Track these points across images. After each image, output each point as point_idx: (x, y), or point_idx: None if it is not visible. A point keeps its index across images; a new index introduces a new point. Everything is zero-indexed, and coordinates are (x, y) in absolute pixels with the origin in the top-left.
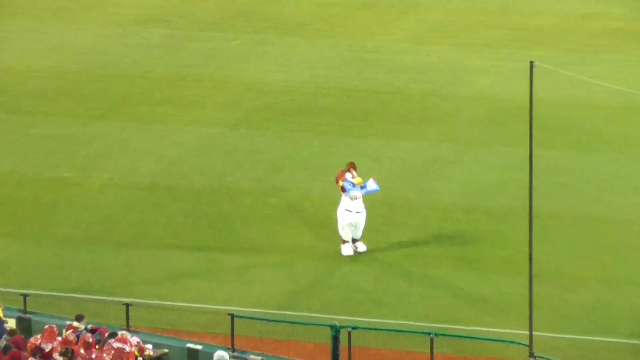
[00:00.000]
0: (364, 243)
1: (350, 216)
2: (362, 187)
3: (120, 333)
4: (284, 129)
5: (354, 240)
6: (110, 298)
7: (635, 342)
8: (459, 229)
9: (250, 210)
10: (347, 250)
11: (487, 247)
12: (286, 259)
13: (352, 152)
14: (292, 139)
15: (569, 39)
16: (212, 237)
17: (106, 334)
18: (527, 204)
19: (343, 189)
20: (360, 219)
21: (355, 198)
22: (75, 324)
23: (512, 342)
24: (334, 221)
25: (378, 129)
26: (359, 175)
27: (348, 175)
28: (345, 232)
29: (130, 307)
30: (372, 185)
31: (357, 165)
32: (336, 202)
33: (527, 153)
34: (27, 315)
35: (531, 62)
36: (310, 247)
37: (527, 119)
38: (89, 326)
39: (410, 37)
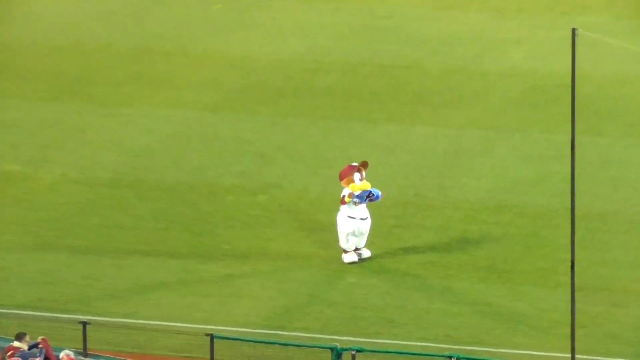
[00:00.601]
0: (367, 248)
1: (354, 224)
2: (368, 197)
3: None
4: (276, 113)
5: (356, 249)
6: (65, 315)
7: None
8: (487, 233)
9: (234, 211)
10: (350, 257)
11: (520, 254)
12: (278, 269)
13: (358, 142)
14: (285, 125)
15: (621, 3)
16: (188, 242)
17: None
18: (569, 202)
19: (346, 201)
20: (365, 227)
21: (359, 203)
22: (15, 344)
23: None
24: (335, 224)
25: (391, 113)
26: (366, 177)
27: (356, 176)
28: (347, 243)
29: (88, 326)
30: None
31: (368, 162)
32: (338, 202)
33: (569, 140)
34: None
35: (573, 30)
36: (307, 255)
37: (570, 99)
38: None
39: (429, 0)
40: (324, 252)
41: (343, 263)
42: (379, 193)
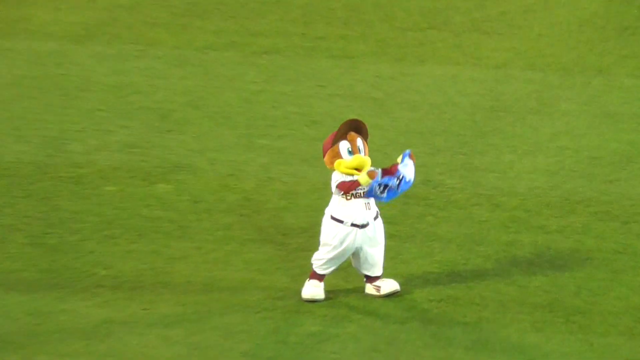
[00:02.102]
0: (391, 279)
1: (346, 234)
2: (385, 188)
3: None
4: (190, 40)
5: (369, 279)
6: None
7: None
8: (546, 245)
9: (116, 212)
10: (312, 291)
11: (604, 284)
12: (190, 314)
13: (333, 89)
14: (212, 61)
15: None
16: (37, 265)
17: None
18: None
19: (346, 188)
20: (372, 240)
21: (359, 196)
22: None
23: None
24: (312, 232)
25: (419, 46)
26: (368, 149)
27: (342, 148)
28: (327, 263)
29: None
30: (407, 169)
31: (367, 129)
32: (320, 194)
33: None
34: None
35: None
36: (258, 284)
37: None
38: None
39: None
40: (283, 279)
41: (301, 299)
42: (406, 174)
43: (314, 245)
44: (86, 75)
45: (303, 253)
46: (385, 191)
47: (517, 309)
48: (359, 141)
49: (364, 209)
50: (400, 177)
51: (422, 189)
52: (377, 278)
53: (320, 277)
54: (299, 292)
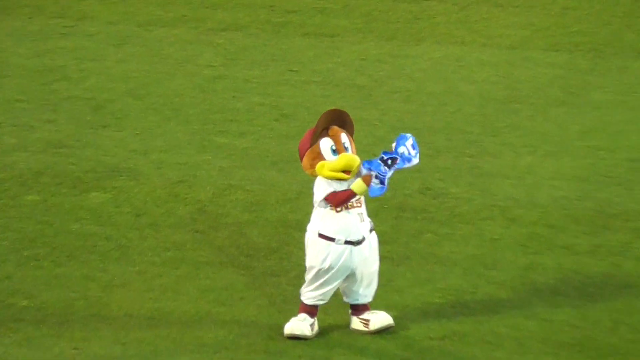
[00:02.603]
0: (382, 312)
1: (339, 254)
2: (388, 163)
3: None
4: (130, 14)
5: (355, 310)
6: None
7: None
8: (573, 269)
9: (40, 228)
10: (297, 326)
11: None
12: (144, 349)
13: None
14: (157, 40)
15: None
16: None
17: None
18: None
19: (340, 202)
20: (367, 260)
21: (352, 205)
22: None
23: None
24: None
25: (415, 21)
26: (354, 146)
27: (324, 146)
28: (318, 291)
29: None
30: (406, 149)
31: (352, 122)
32: (292, 205)
33: None
34: None
35: None
36: (216, 318)
37: None
38: None
39: None
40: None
41: (284, 334)
42: (407, 150)
43: (286, 269)
44: (2, 58)
45: (272, 279)
46: (386, 166)
47: (538, 349)
48: (344, 136)
49: (358, 221)
50: (396, 158)
51: (420, 199)
52: (364, 309)
53: (311, 311)
54: (267, 327)
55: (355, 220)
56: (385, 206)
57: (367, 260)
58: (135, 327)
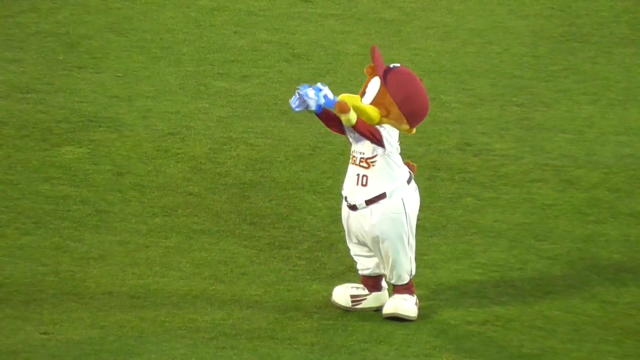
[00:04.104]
0: (392, 299)
1: (343, 212)
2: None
3: None
4: None
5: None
6: None
7: None
8: None
9: (7, 185)
10: (342, 293)
11: None
12: (126, 334)
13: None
14: None
15: None
16: None
17: None
18: None
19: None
20: (366, 234)
21: (353, 160)
22: None
23: None
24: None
25: None
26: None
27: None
28: (354, 256)
29: None
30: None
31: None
32: (305, 163)
33: None
34: None
35: None
36: (212, 297)
37: None
38: None
39: None
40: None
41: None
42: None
43: (296, 240)
44: None
45: (280, 251)
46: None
47: (599, 337)
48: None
49: (354, 183)
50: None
51: (458, 156)
52: (400, 287)
53: (366, 282)
54: (274, 308)
55: (351, 179)
56: (417, 164)
57: (368, 234)
58: (116, 308)
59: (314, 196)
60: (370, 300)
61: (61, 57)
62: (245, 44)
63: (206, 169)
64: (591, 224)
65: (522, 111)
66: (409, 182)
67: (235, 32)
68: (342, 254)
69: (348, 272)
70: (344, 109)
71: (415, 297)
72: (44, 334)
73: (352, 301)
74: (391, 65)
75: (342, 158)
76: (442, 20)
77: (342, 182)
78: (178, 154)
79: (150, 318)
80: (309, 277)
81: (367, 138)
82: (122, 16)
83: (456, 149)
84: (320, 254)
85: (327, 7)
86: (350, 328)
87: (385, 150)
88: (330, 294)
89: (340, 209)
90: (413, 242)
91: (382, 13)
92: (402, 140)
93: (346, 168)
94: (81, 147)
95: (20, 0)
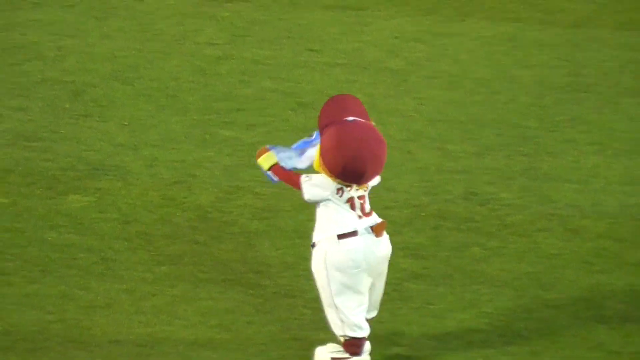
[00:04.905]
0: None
1: (357, 257)
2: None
3: None
4: None
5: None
6: None
7: None
8: None
9: (14, 233)
10: None
11: None
12: None
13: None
14: (147, 11)
15: None
16: None
17: None
18: None
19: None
20: (383, 267)
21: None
22: None
23: None
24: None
25: None
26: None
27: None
28: (350, 316)
29: None
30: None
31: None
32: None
33: None
34: None
35: None
36: (219, 346)
37: None
38: None
39: None
40: None
41: None
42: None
43: (302, 289)
44: None
45: (285, 300)
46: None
47: None
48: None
49: (382, 235)
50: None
51: (464, 206)
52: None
53: (354, 353)
54: (280, 358)
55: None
56: (423, 214)
57: (385, 261)
58: (122, 356)
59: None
60: None
61: (67, 105)
62: (251, 92)
63: (212, 217)
64: (597, 274)
65: (528, 161)
66: (343, 236)
67: (240, 81)
68: None
69: None
70: (258, 154)
71: (349, 358)
72: None
73: None
74: (349, 119)
75: None
76: (448, 70)
77: None
78: (184, 202)
79: None
80: (314, 327)
81: (285, 182)
82: (128, 64)
83: (462, 198)
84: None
85: (332, 56)
86: None
87: (304, 196)
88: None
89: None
90: (340, 301)
91: (387, 62)
92: (407, 189)
93: None
94: (87, 195)
95: (26, 48)
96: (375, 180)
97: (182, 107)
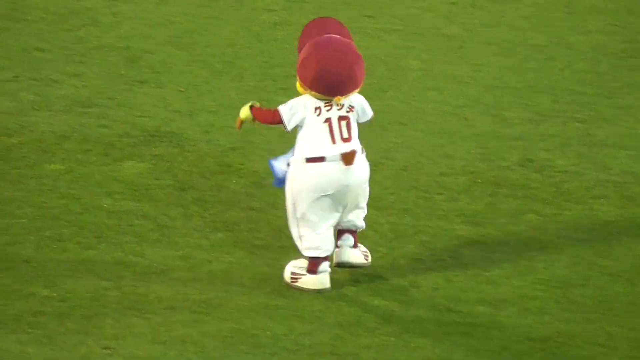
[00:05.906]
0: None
1: (324, 177)
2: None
3: None
4: None
5: (340, 234)
6: None
7: None
8: None
9: (69, 199)
10: (315, 282)
11: None
12: (188, 349)
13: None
14: None
15: None
16: None
17: None
18: None
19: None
20: (355, 178)
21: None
22: None
23: None
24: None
25: None
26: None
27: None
28: (308, 230)
29: None
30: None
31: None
32: (377, 175)
33: None
34: None
35: None
36: (275, 314)
37: None
38: None
39: None
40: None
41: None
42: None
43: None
44: None
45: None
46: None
47: None
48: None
49: (356, 146)
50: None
51: (520, 172)
52: (345, 231)
53: (315, 262)
54: (336, 323)
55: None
56: (479, 181)
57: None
58: (177, 323)
59: (376, 212)
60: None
61: (122, 72)
62: None
63: (268, 184)
64: None
65: (584, 127)
66: (311, 160)
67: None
68: (404, 269)
69: (411, 287)
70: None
71: (305, 275)
72: (105, 348)
73: (291, 278)
74: (326, 35)
75: (405, 174)
76: (503, 36)
77: (405, 198)
78: (240, 169)
79: (212, 333)
80: (370, 293)
81: (267, 121)
82: (184, 30)
83: (518, 165)
84: (381, 269)
85: (388, 22)
86: (412, 344)
87: (287, 129)
88: (390, 310)
89: (401, 224)
90: (301, 221)
91: (443, 29)
92: (463, 156)
93: (409, 184)
94: (143, 161)
95: (82, 14)
96: (367, 115)
97: (237, 73)
